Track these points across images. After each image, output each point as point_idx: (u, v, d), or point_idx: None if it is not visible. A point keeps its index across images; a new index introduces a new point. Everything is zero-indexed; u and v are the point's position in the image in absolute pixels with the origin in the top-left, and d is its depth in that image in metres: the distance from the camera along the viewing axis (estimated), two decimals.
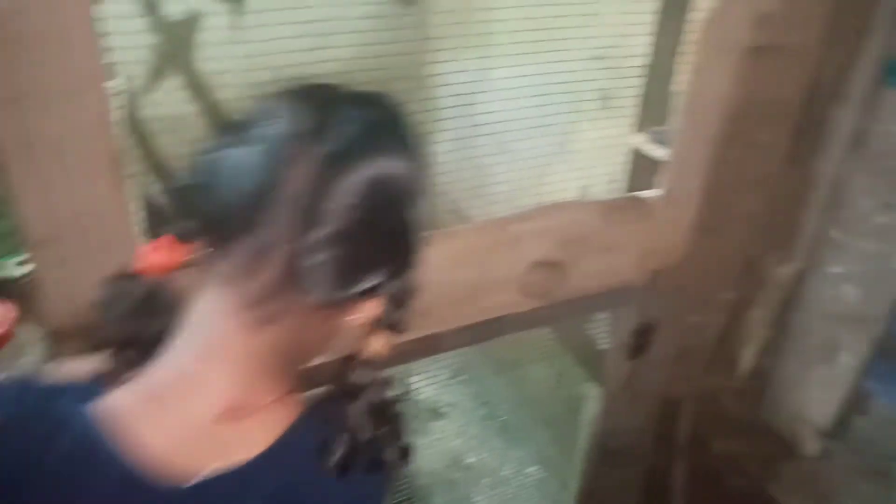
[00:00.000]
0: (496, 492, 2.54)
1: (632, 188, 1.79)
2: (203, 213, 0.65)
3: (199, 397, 0.66)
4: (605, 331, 1.78)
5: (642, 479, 1.94)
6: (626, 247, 1.45)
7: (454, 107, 2.17)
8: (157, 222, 1.03)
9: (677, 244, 1.49)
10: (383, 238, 0.66)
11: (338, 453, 0.69)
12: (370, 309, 0.69)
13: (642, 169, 1.80)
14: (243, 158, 0.63)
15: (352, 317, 0.69)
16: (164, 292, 0.79)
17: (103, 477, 0.64)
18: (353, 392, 0.73)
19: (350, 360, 0.73)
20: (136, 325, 0.75)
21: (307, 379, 0.73)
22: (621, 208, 1.42)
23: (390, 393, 0.75)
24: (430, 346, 1.37)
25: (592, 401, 1.81)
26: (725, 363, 1.79)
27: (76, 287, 0.95)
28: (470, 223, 1.36)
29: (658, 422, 1.82)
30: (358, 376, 0.73)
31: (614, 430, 1.77)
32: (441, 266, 1.26)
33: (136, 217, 0.97)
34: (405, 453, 0.77)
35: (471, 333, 1.40)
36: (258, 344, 0.66)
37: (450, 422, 3.00)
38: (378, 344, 0.73)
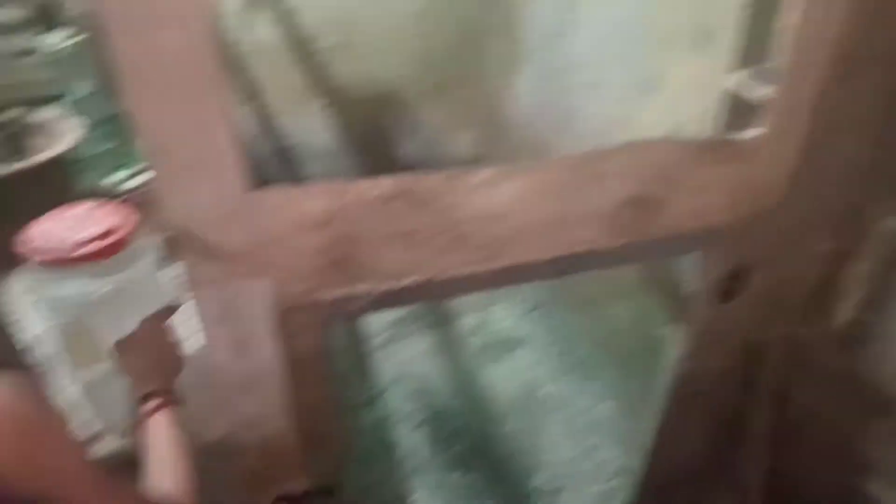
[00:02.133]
0: (569, 424, 2.58)
1: (725, 129, 1.72)
2: None
3: None
4: (691, 272, 1.75)
5: (721, 423, 1.93)
6: (719, 188, 1.41)
7: (540, 41, 2.12)
8: None
9: (776, 187, 1.43)
10: None
11: None
12: None
13: (737, 109, 1.71)
14: None
15: None
16: None
17: None
18: None
19: None
20: None
21: None
22: (716, 148, 1.37)
23: None
24: (511, 276, 1.38)
25: (674, 342, 1.79)
26: (820, 315, 1.73)
27: (189, 195, 1.01)
28: (556, 157, 1.35)
29: (742, 368, 1.79)
30: None
31: (696, 372, 1.75)
32: (527, 197, 1.26)
33: (236, 138, 1.01)
34: None
35: (554, 266, 1.40)
36: None
37: (526, 353, 3.05)
38: None
